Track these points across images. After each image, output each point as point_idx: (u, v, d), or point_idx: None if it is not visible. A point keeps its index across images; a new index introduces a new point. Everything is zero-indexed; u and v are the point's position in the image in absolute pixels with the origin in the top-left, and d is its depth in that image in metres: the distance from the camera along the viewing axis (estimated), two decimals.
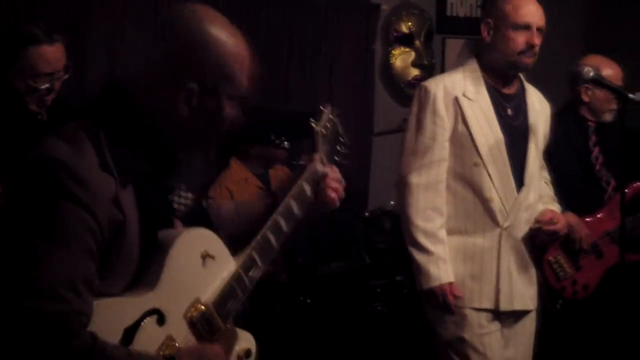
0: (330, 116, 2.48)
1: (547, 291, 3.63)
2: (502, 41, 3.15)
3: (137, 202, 1.80)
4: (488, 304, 3.18)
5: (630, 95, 3.22)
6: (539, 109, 3.34)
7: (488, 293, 3.18)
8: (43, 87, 3.17)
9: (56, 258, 1.63)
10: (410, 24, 6.07)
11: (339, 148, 2.51)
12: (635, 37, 5.76)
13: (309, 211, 2.23)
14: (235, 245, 2.05)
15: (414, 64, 6.10)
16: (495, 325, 3.19)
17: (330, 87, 5.73)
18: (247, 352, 2.10)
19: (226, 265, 2.00)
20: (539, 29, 3.16)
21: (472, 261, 3.18)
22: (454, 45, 6.21)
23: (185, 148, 1.93)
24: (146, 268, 1.82)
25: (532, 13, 3.15)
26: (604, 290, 3.88)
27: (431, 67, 6.11)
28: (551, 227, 3.28)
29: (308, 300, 4.51)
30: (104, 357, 1.65)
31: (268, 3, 5.52)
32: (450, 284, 3.13)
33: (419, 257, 3.16)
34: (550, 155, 3.83)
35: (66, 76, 3.27)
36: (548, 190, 3.45)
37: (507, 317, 3.23)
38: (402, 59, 6.09)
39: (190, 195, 3.59)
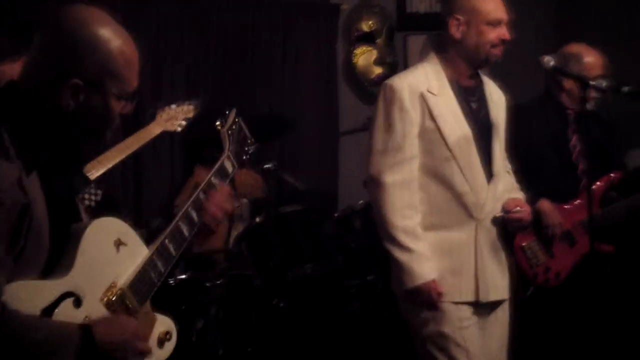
0: (235, 118, 2.65)
1: (519, 278, 3.64)
2: (475, 36, 3.17)
3: (44, 190, 1.87)
4: (468, 297, 3.18)
5: (591, 82, 3.25)
6: (497, 100, 3.37)
7: (468, 286, 3.18)
8: None
9: None
10: (371, 22, 6.08)
11: (246, 148, 2.68)
12: (605, 27, 5.81)
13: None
14: None
15: (377, 62, 6.10)
16: (473, 318, 3.20)
17: (294, 88, 5.73)
18: (168, 335, 2.19)
19: (139, 252, 2.12)
20: (507, 23, 3.20)
21: (450, 256, 3.18)
22: (416, 41, 6.20)
23: (78, 139, 2.02)
24: (59, 255, 1.90)
25: (502, 8, 3.20)
26: (575, 279, 3.90)
27: (394, 64, 6.11)
28: (516, 215, 3.28)
29: (282, 304, 4.49)
30: (14, 322, 1.73)
31: (228, 6, 5.51)
32: (434, 280, 3.12)
33: (401, 255, 3.14)
34: (527, 141, 3.84)
35: None
36: (512, 180, 3.46)
37: (482, 308, 3.23)
38: (364, 57, 6.09)
39: (100, 192, 3.64)
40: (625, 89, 3.25)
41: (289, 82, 5.73)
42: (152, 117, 3.81)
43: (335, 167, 5.90)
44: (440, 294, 3.12)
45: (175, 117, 4.01)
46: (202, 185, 2.38)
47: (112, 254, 2.02)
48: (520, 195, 3.41)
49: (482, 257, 3.20)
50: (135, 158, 4.88)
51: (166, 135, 4.56)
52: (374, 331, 4.64)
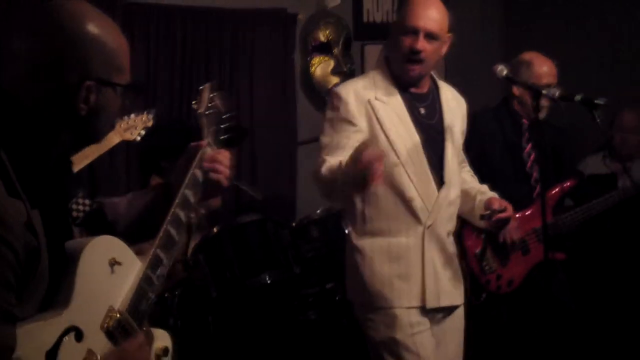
0: (210, 94, 2.46)
1: (472, 284, 3.66)
2: (394, 46, 3.16)
3: (41, 215, 1.75)
4: (416, 303, 3.17)
5: (544, 91, 3.28)
6: (454, 106, 3.36)
7: (415, 291, 3.17)
8: None
9: None
10: (327, 32, 6.10)
11: (222, 125, 2.49)
12: (553, 36, 5.90)
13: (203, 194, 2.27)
14: (131, 239, 2.08)
15: (334, 72, 6.12)
16: (425, 324, 3.20)
17: (251, 98, 5.73)
18: (165, 350, 2.12)
19: (133, 268, 2.03)
20: (429, 35, 3.11)
21: (398, 261, 3.18)
22: (373, 51, 6.25)
23: (82, 145, 1.96)
24: (57, 285, 1.80)
25: (423, 17, 3.09)
26: (528, 286, 3.94)
27: (351, 74, 6.12)
28: (502, 215, 3.29)
29: (240, 314, 4.48)
30: None
31: (185, 15, 5.50)
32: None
33: (339, 175, 2.93)
34: (481, 149, 3.88)
35: None
36: (477, 183, 3.46)
37: (436, 315, 3.24)
38: (321, 67, 6.11)
39: (87, 201, 3.57)
40: (579, 97, 3.30)
41: (246, 92, 5.72)
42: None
43: (293, 177, 5.91)
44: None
45: (134, 127, 4.00)
46: (185, 181, 2.22)
47: (108, 276, 1.94)
48: (494, 194, 3.41)
49: (431, 263, 3.19)
50: (90, 168, 4.85)
51: (122, 146, 4.54)
52: (331, 339, 4.65)
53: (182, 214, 2.18)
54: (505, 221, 3.34)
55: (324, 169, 3.05)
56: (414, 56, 3.12)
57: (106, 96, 1.86)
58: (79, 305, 1.82)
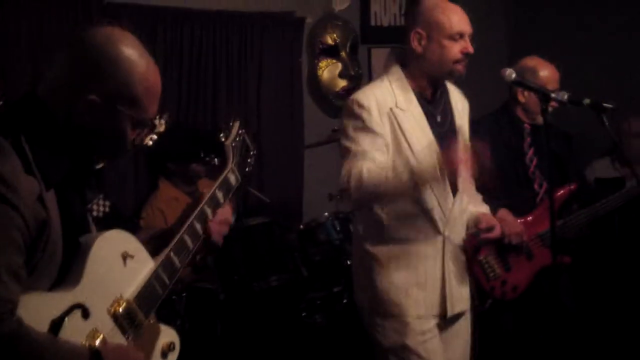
0: (239, 130, 2.63)
1: (477, 290, 3.64)
2: (438, 51, 3.14)
3: (59, 205, 1.88)
4: (435, 311, 3.17)
5: (553, 95, 3.27)
6: (461, 109, 3.35)
7: (434, 300, 3.17)
8: None
9: None
10: (335, 35, 6.10)
11: (249, 160, 2.67)
12: (557, 40, 5.90)
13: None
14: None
15: (341, 75, 6.12)
16: (435, 331, 3.19)
17: (259, 101, 5.73)
18: (171, 346, 2.22)
19: (145, 264, 2.13)
20: (469, 36, 3.18)
21: (417, 270, 3.16)
22: (380, 54, 6.25)
23: (93, 156, 2.04)
24: (69, 267, 1.91)
25: (464, 21, 3.16)
26: (533, 290, 3.92)
27: (358, 77, 6.14)
28: (490, 235, 3.31)
29: (247, 316, 4.48)
30: (29, 342, 1.74)
31: (193, 18, 5.50)
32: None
33: (385, 187, 3.01)
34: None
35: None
36: (474, 191, 3.46)
37: (444, 320, 3.23)
38: (329, 70, 6.11)
39: (108, 203, 3.62)
40: (587, 101, 3.28)
41: (253, 95, 5.72)
42: None
43: (300, 180, 5.91)
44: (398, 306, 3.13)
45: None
46: (206, 198, 2.35)
47: (120, 267, 2.04)
48: (485, 208, 3.41)
49: (448, 271, 3.19)
50: (98, 171, 4.85)
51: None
52: (339, 343, 4.65)
53: (198, 226, 2.30)
54: (493, 240, 3.36)
55: (366, 175, 3.02)
56: (467, 58, 3.17)
57: (109, 119, 1.94)
58: (88, 287, 1.92)
